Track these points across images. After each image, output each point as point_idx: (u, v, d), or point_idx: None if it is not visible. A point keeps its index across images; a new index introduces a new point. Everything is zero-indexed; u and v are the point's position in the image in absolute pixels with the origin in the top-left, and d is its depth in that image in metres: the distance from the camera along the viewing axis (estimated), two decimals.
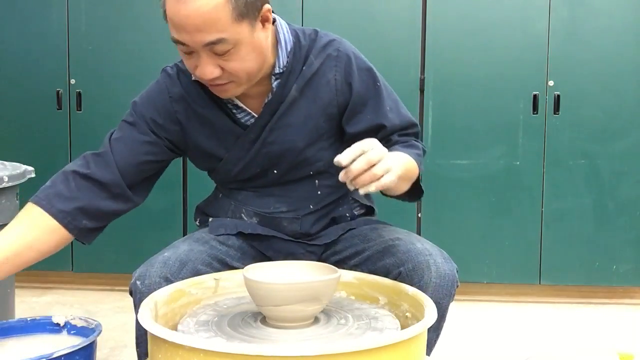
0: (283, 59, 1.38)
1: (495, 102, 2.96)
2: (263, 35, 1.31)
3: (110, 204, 1.38)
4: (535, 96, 2.93)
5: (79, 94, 3.09)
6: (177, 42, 1.26)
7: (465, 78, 2.96)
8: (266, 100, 1.40)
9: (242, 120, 1.42)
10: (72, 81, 3.09)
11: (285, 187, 1.47)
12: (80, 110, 3.10)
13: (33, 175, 2.00)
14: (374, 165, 1.13)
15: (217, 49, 1.24)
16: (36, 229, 1.30)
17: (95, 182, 1.36)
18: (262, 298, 1.13)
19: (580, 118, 2.94)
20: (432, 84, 2.97)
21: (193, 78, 1.40)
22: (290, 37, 1.40)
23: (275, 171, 1.45)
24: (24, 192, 2.06)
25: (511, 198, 2.99)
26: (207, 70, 1.26)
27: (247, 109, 1.42)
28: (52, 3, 3.07)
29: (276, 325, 1.14)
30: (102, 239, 3.47)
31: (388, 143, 1.40)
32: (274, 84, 1.39)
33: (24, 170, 1.97)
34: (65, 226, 1.32)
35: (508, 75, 2.95)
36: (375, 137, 1.24)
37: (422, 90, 2.97)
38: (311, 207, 1.48)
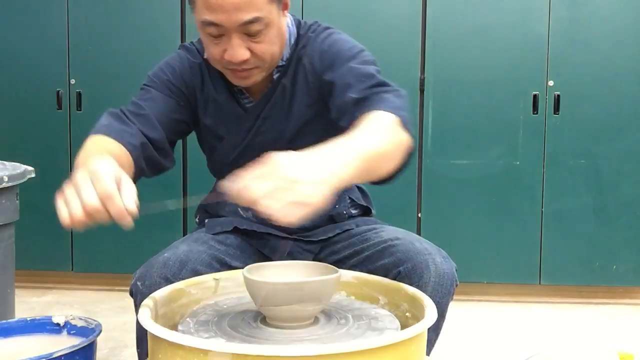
0: (287, 52, 1.41)
1: (495, 102, 2.96)
2: (283, 21, 1.34)
3: (158, 156, 1.38)
4: (535, 96, 2.93)
5: (79, 94, 3.09)
6: (208, 24, 1.25)
7: (465, 78, 2.96)
8: (266, 90, 1.43)
9: (244, 104, 1.45)
10: (72, 81, 3.09)
11: None
12: (80, 110, 3.10)
13: (33, 175, 2.00)
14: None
15: (251, 28, 1.25)
16: (118, 150, 1.26)
17: (143, 134, 1.35)
18: (262, 298, 1.13)
19: (580, 118, 2.94)
20: (432, 84, 2.97)
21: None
22: (294, 29, 1.42)
23: None
24: (24, 192, 2.06)
25: (511, 198, 3.00)
26: (239, 52, 1.26)
27: (248, 95, 1.45)
28: (52, 3, 3.08)
29: (276, 325, 1.14)
30: (102, 239, 3.48)
31: (347, 110, 1.26)
32: (275, 76, 1.41)
33: (24, 170, 1.97)
34: (135, 159, 1.29)
35: (508, 75, 2.95)
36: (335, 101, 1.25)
37: (422, 90, 2.97)
38: None
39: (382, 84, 1.29)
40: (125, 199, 0.97)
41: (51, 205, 3.49)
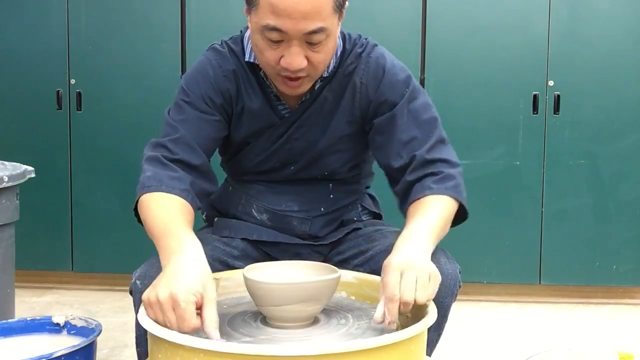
0: (333, 64, 1.39)
1: (496, 102, 2.96)
2: (338, 32, 1.33)
3: (204, 184, 1.36)
4: (535, 96, 2.93)
5: (79, 94, 3.09)
6: (271, 29, 1.23)
7: (465, 78, 2.96)
8: (304, 99, 1.41)
9: (280, 110, 1.43)
10: (72, 81, 3.09)
11: (299, 187, 1.48)
12: (80, 110, 3.10)
13: (33, 175, 2.00)
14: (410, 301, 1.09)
15: (314, 38, 1.24)
16: (182, 206, 1.26)
17: (187, 165, 1.33)
18: (262, 298, 1.13)
19: (580, 118, 2.94)
20: (432, 84, 2.97)
21: (249, 59, 1.39)
22: (340, 41, 1.40)
23: (292, 167, 1.46)
24: (24, 192, 2.06)
25: (511, 198, 2.99)
26: (298, 60, 1.25)
27: (284, 102, 1.42)
28: (52, 3, 3.07)
29: (276, 325, 1.14)
30: (102, 239, 3.47)
31: (411, 174, 1.36)
32: (317, 86, 1.39)
33: (24, 170, 1.97)
34: (191, 202, 1.29)
35: (508, 75, 2.95)
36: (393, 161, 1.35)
37: None
38: (322, 209, 1.49)
39: (440, 150, 1.39)
40: (208, 328, 1.04)
41: (51, 205, 3.50)
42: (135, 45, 3.06)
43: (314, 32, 1.22)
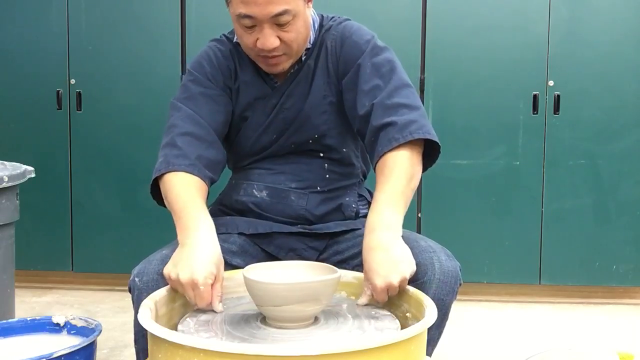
0: (312, 37, 1.53)
1: (495, 102, 2.96)
2: (308, 12, 1.48)
3: (212, 154, 1.46)
4: (535, 96, 2.93)
5: (79, 94, 3.09)
6: (243, 16, 1.39)
7: (465, 78, 2.96)
8: (292, 71, 1.52)
9: (271, 80, 1.54)
10: (72, 81, 3.09)
11: (296, 166, 1.55)
12: (80, 110, 3.10)
13: (33, 175, 2.00)
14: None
15: (281, 19, 1.39)
16: (192, 186, 1.38)
17: (194, 136, 1.45)
18: (262, 298, 1.13)
19: (580, 118, 2.94)
20: (432, 84, 2.97)
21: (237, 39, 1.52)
22: (317, 17, 1.56)
23: (283, 136, 1.53)
24: (24, 192, 2.06)
25: (511, 198, 2.99)
26: (270, 40, 1.41)
27: (275, 78, 1.54)
28: (52, 3, 3.08)
29: (276, 325, 1.14)
30: (102, 239, 3.47)
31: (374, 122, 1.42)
32: (303, 58, 1.52)
33: (24, 170, 1.97)
34: (197, 175, 1.40)
35: (508, 75, 2.95)
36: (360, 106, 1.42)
37: (422, 90, 2.97)
38: (318, 188, 1.54)
39: (399, 94, 1.43)
40: (214, 302, 1.22)
41: (51, 205, 3.50)
42: (135, 45, 3.06)
43: (280, 14, 1.38)
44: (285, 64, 1.48)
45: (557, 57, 2.92)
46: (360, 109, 1.43)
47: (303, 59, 1.53)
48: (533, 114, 2.94)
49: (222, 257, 1.26)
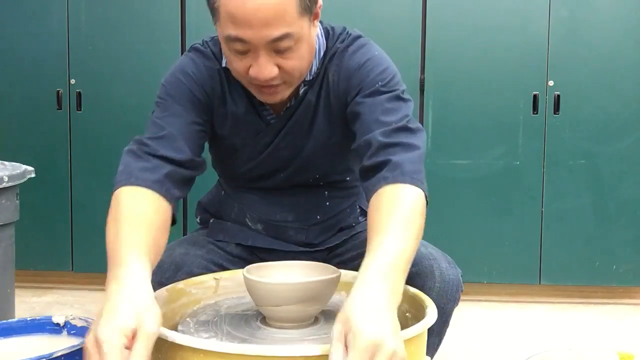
0: (315, 66, 1.31)
1: (495, 102, 2.96)
2: (314, 33, 1.24)
3: (187, 172, 1.25)
4: (535, 96, 2.93)
5: (79, 94, 3.09)
6: (234, 39, 1.15)
7: (465, 78, 2.96)
8: (288, 105, 1.34)
9: (265, 116, 1.36)
10: (72, 81, 3.09)
11: (293, 196, 1.44)
12: (80, 110, 3.10)
13: (33, 175, 2.00)
14: None
15: (281, 45, 1.15)
16: (148, 207, 1.14)
17: (167, 159, 1.22)
18: (262, 298, 1.13)
19: (580, 118, 2.94)
20: (432, 84, 2.97)
21: (225, 65, 1.31)
22: (323, 40, 1.33)
23: (282, 174, 1.42)
24: (24, 192, 2.06)
25: (511, 198, 2.99)
26: (267, 70, 1.17)
27: (269, 108, 1.35)
28: (52, 3, 3.07)
29: (276, 325, 1.14)
30: (102, 239, 3.46)
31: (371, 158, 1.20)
32: (302, 90, 1.32)
33: (24, 170, 1.96)
34: (164, 195, 1.18)
35: (508, 75, 2.94)
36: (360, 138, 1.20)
37: (422, 90, 2.96)
38: (318, 217, 1.46)
39: (399, 141, 1.19)
40: None
41: (51, 205, 3.50)
42: (135, 45, 3.06)
43: (279, 39, 1.14)
44: (285, 93, 1.26)
45: (557, 57, 2.92)
46: (360, 151, 1.23)
47: (301, 91, 1.32)
48: (533, 114, 2.94)
49: (154, 311, 0.94)
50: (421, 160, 1.21)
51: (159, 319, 0.93)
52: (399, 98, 1.27)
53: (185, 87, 1.30)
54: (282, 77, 1.21)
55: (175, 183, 1.21)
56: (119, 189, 1.17)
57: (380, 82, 1.27)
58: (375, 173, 1.17)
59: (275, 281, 1.12)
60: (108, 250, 1.07)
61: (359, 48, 1.31)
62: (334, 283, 1.15)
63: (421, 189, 1.16)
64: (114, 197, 1.18)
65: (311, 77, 1.32)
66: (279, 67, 1.19)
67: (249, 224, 1.46)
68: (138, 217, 1.11)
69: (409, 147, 1.19)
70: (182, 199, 1.33)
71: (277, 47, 1.16)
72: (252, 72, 1.18)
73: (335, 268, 1.20)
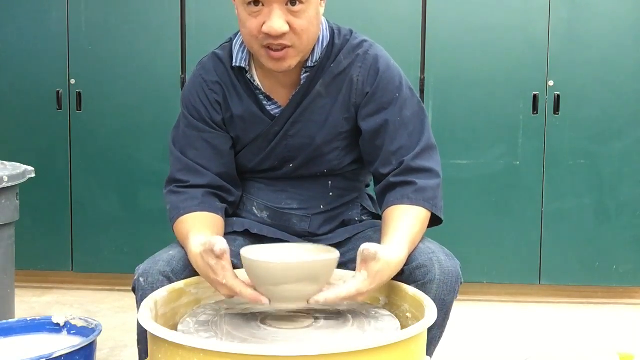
0: (317, 54, 1.41)
1: (495, 102, 2.96)
2: (321, 11, 1.37)
3: (220, 192, 1.46)
4: (535, 96, 2.93)
5: (79, 94, 3.09)
6: (251, 1, 1.29)
7: (465, 78, 2.96)
8: (293, 93, 1.43)
9: (270, 111, 1.45)
10: (72, 81, 3.09)
11: (299, 184, 1.50)
12: (80, 110, 3.10)
13: (33, 175, 2.00)
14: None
15: (293, 2, 1.29)
16: (201, 216, 1.38)
17: (197, 187, 1.43)
18: (261, 277, 1.13)
19: (580, 118, 2.94)
20: (432, 84, 2.97)
21: (236, 63, 1.43)
22: (327, 33, 1.44)
23: (291, 165, 1.48)
24: (24, 192, 2.06)
25: (511, 198, 2.99)
26: (279, 23, 1.28)
27: (275, 100, 1.45)
28: (52, 3, 3.07)
29: (276, 325, 1.14)
30: (102, 239, 3.47)
31: (389, 176, 1.41)
32: (303, 77, 1.41)
33: (24, 170, 1.97)
34: (208, 210, 1.40)
35: (508, 75, 2.95)
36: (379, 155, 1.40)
37: (422, 90, 2.97)
38: (322, 207, 1.50)
39: (418, 167, 1.41)
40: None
41: (51, 205, 3.50)
42: (135, 45, 3.06)
43: None
44: (292, 61, 1.35)
45: (557, 57, 2.92)
46: (384, 167, 1.42)
47: (302, 76, 1.42)
48: (533, 114, 2.94)
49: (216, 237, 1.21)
50: (440, 187, 1.42)
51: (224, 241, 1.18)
52: (420, 110, 1.45)
53: (196, 109, 1.46)
54: (291, 38, 1.31)
55: (214, 198, 1.43)
56: (175, 222, 1.40)
57: (398, 94, 1.42)
58: (399, 189, 1.39)
59: (273, 260, 1.12)
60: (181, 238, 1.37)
61: (378, 57, 1.44)
62: (332, 263, 1.15)
63: (435, 212, 1.40)
64: (175, 230, 1.41)
65: (312, 64, 1.41)
66: (290, 25, 1.30)
67: (256, 212, 1.52)
68: (195, 220, 1.37)
69: (431, 174, 1.40)
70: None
71: (289, 4, 1.29)
72: (265, 27, 1.29)
73: (333, 249, 1.21)
